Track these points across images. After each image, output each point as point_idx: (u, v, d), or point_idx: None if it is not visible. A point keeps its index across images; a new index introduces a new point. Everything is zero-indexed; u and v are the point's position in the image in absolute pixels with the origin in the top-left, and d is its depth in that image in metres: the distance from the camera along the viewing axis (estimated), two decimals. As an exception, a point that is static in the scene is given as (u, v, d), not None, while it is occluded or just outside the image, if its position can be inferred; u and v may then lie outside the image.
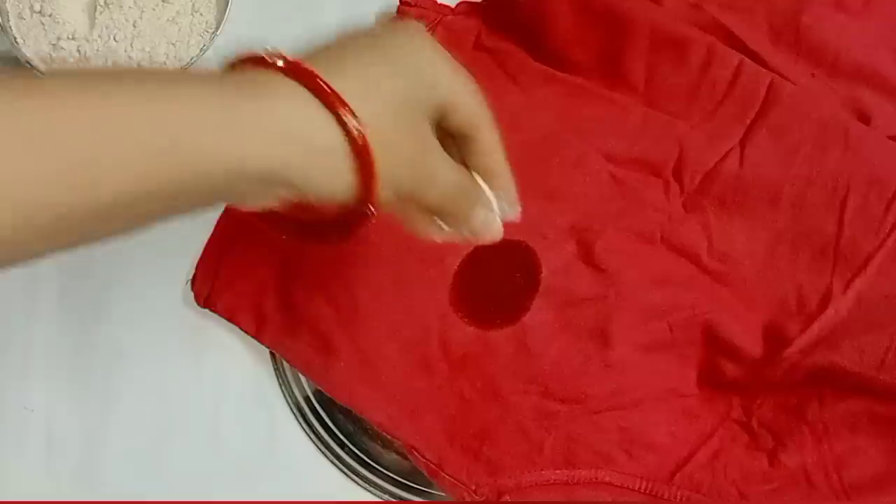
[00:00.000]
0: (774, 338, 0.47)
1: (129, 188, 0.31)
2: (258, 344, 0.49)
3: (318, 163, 0.34)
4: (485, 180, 0.40)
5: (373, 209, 0.35)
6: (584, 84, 0.52)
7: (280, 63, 0.33)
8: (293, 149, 0.33)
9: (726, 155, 0.49)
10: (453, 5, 0.54)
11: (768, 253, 0.49)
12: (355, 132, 0.33)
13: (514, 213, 0.41)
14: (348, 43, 0.37)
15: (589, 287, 0.48)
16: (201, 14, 0.51)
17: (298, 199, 0.34)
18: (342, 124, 0.33)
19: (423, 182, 0.37)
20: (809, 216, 0.48)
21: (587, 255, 0.49)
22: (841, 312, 0.46)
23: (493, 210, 0.40)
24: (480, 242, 0.40)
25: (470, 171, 0.40)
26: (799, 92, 0.50)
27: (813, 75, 0.52)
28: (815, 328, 0.46)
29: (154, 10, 0.51)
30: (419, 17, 0.53)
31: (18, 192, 0.30)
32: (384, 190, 0.35)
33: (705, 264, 0.49)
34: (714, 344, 0.48)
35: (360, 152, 0.34)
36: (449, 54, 0.39)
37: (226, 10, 0.51)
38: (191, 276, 0.50)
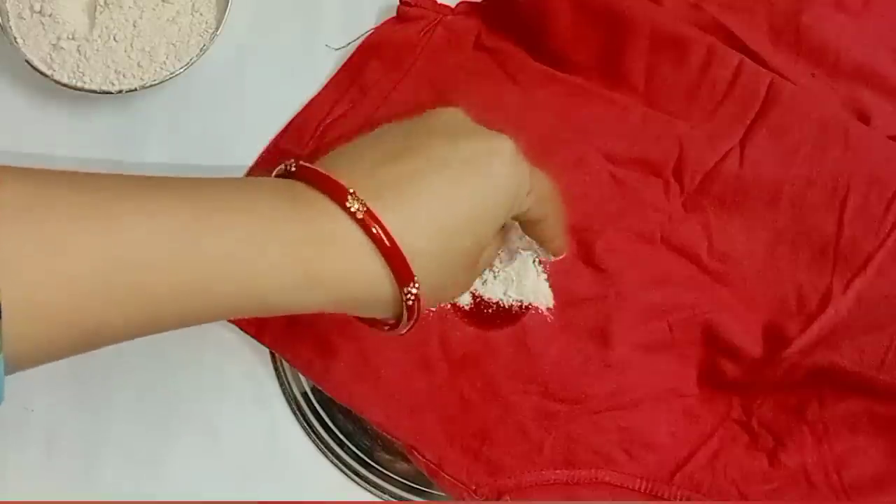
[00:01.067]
0: (774, 338, 0.47)
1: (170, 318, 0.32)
2: (258, 344, 0.49)
3: (360, 304, 0.35)
4: (540, 245, 0.42)
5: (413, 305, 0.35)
6: (584, 84, 0.52)
7: (355, 210, 0.32)
8: (338, 293, 0.34)
9: (726, 155, 0.49)
10: (453, 5, 0.54)
11: (768, 253, 0.49)
12: (409, 298, 0.34)
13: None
14: (419, 165, 0.34)
15: (589, 287, 0.48)
16: (201, 14, 0.51)
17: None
18: (399, 290, 0.34)
19: (460, 294, 0.39)
20: (809, 216, 0.48)
21: (587, 255, 0.49)
22: (841, 312, 0.46)
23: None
24: None
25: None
26: (799, 92, 0.50)
27: (813, 75, 0.52)
28: (815, 328, 0.46)
29: (154, 10, 0.51)
30: (419, 17, 0.53)
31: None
32: (426, 305, 0.35)
33: (705, 264, 0.49)
34: (714, 344, 0.48)
35: (410, 308, 0.34)
36: (522, 160, 0.36)
37: (226, 10, 0.51)
38: (191, 276, 0.50)
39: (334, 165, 0.34)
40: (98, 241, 0.30)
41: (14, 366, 0.30)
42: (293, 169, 0.34)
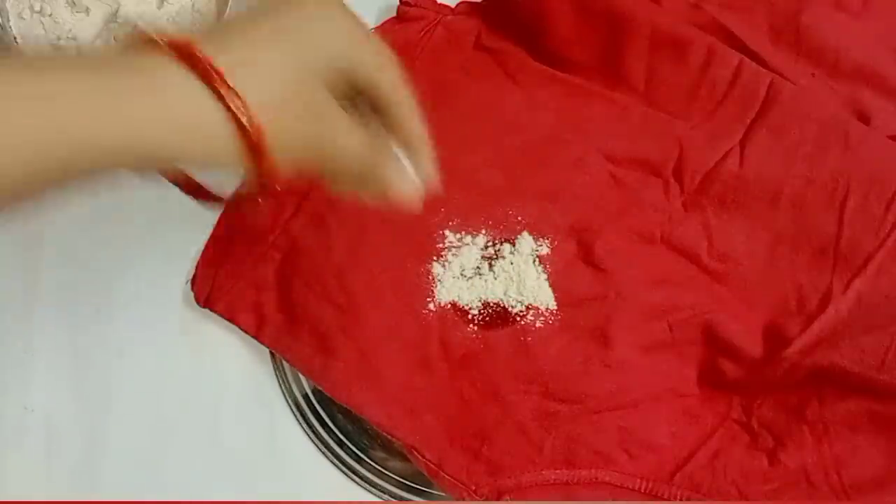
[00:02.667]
0: (774, 338, 0.47)
1: (17, 170, 0.32)
2: (258, 344, 0.49)
3: (206, 146, 0.35)
4: (403, 151, 0.40)
5: (273, 181, 0.35)
6: (584, 84, 0.52)
7: (166, 45, 0.34)
8: (180, 136, 0.34)
9: (726, 155, 0.49)
10: (453, 5, 0.54)
11: (768, 253, 0.49)
12: (241, 116, 0.34)
13: (434, 182, 0.40)
14: (239, 16, 0.37)
15: (589, 287, 0.48)
16: (201, 14, 0.51)
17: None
18: (227, 108, 0.34)
19: (322, 149, 0.37)
20: (809, 216, 0.48)
21: (587, 255, 0.49)
22: (841, 312, 0.46)
23: (410, 176, 0.40)
24: (403, 208, 0.40)
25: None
26: (799, 92, 0.50)
27: (813, 75, 0.52)
28: (815, 328, 0.46)
29: (154, 10, 0.51)
30: (419, 17, 0.53)
31: None
32: (282, 163, 0.35)
33: (705, 264, 0.49)
34: (714, 344, 0.48)
35: (247, 134, 0.34)
36: (349, 14, 0.38)
37: (226, 10, 0.51)
38: (191, 277, 0.50)
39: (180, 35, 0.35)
40: None
41: None
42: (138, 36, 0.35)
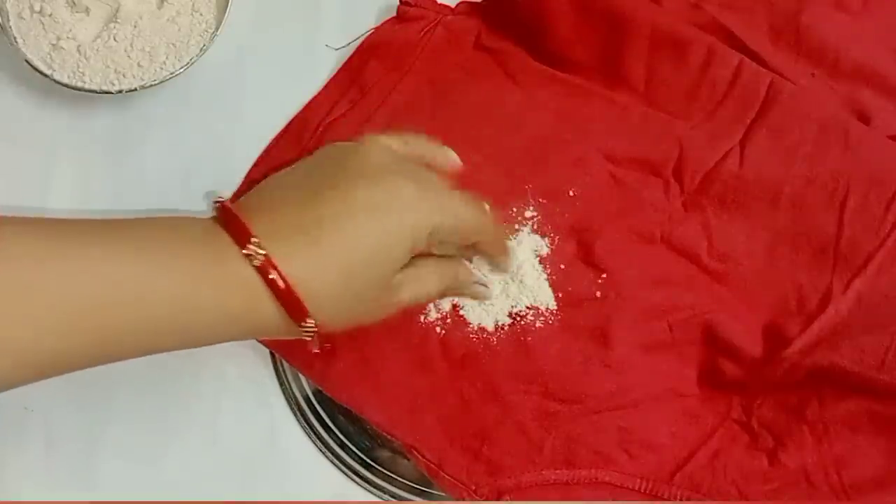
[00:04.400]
0: (774, 338, 0.47)
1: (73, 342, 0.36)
2: (258, 344, 0.49)
3: (277, 334, 0.40)
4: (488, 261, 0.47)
5: (315, 336, 0.40)
6: (584, 84, 0.52)
7: (253, 256, 0.38)
8: (259, 334, 0.42)
9: (726, 155, 0.49)
10: (453, 5, 0.54)
11: (768, 253, 0.49)
12: (306, 331, 0.39)
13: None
14: (327, 211, 0.39)
15: (589, 287, 0.48)
16: (201, 14, 0.51)
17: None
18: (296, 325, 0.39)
19: (364, 320, 0.42)
20: (809, 216, 0.48)
21: (587, 255, 0.49)
22: (841, 312, 0.46)
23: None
24: None
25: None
26: (799, 92, 0.50)
27: (813, 75, 0.52)
28: (815, 328, 0.46)
29: (154, 10, 0.51)
30: (419, 17, 0.53)
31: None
32: (329, 326, 0.40)
33: (705, 264, 0.49)
34: (714, 344, 0.48)
35: (312, 337, 0.40)
36: (427, 198, 0.41)
37: (226, 10, 0.51)
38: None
39: (253, 206, 0.40)
40: (59, 284, 0.35)
41: None
42: (217, 208, 0.40)
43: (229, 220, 0.39)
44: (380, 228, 0.39)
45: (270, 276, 0.37)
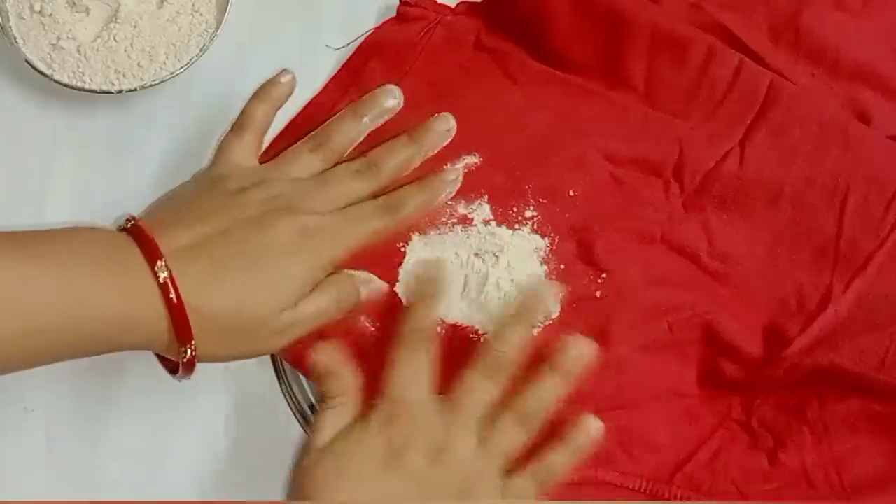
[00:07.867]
0: (774, 338, 0.47)
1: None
2: (258, 344, 0.49)
3: (163, 350, 0.43)
4: None
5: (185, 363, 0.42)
6: (584, 84, 0.52)
7: (161, 275, 0.40)
8: (148, 347, 0.43)
9: (726, 155, 0.49)
10: (453, 5, 0.54)
11: (768, 253, 0.49)
12: (183, 355, 0.41)
13: None
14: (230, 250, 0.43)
15: (589, 287, 0.48)
16: (201, 14, 0.51)
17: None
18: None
19: (247, 354, 0.45)
20: (809, 216, 0.48)
21: (587, 255, 0.49)
22: (841, 312, 0.46)
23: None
24: None
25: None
26: (799, 92, 0.50)
27: (813, 75, 0.52)
28: (815, 328, 0.46)
29: (154, 10, 0.51)
30: (419, 17, 0.53)
31: None
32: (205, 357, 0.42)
33: (705, 264, 0.49)
34: (714, 344, 0.48)
35: (184, 362, 0.42)
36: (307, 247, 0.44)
37: (226, 10, 0.51)
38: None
39: (162, 221, 0.43)
40: None
41: None
42: (128, 225, 0.42)
43: (141, 235, 0.41)
44: (278, 267, 0.43)
45: (170, 296, 0.40)
